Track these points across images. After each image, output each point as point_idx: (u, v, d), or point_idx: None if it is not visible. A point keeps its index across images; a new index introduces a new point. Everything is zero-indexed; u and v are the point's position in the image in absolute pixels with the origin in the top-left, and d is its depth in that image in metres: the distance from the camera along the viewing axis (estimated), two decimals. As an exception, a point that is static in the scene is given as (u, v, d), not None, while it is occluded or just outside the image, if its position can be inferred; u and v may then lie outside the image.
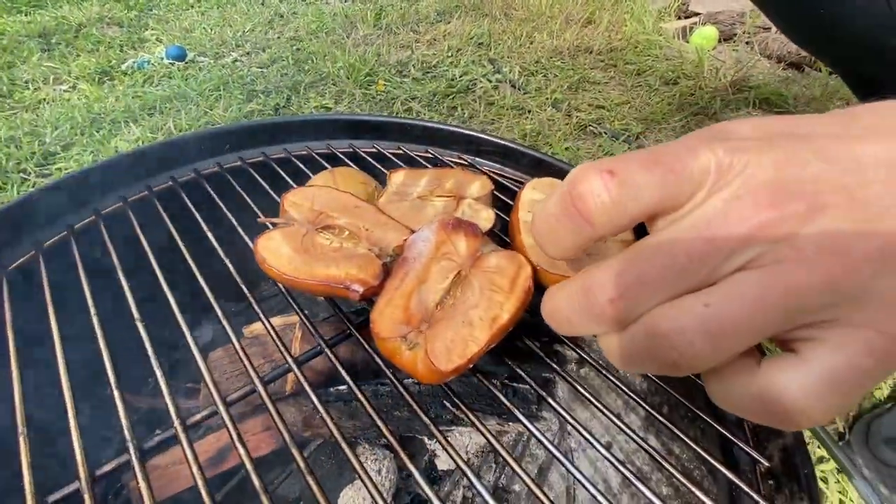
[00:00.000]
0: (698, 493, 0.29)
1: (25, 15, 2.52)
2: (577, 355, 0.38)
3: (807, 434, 0.74)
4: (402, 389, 0.33)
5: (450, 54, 1.97)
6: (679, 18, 2.27)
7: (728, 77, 1.71)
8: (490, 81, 1.76)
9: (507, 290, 0.32)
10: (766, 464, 0.29)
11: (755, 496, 0.28)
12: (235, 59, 2.02)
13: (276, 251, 0.34)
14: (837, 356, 0.16)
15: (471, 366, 0.30)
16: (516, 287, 0.32)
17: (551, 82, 1.75)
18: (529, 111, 1.58)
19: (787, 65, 1.82)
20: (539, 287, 0.38)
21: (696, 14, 2.24)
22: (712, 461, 0.30)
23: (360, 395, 0.31)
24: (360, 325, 0.37)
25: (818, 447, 0.77)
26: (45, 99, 1.77)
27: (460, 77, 1.79)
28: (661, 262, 0.17)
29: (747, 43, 2.01)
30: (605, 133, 1.47)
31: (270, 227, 0.38)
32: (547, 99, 1.64)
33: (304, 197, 0.39)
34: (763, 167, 0.16)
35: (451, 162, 0.58)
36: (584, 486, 0.33)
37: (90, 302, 0.37)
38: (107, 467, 0.28)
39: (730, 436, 0.32)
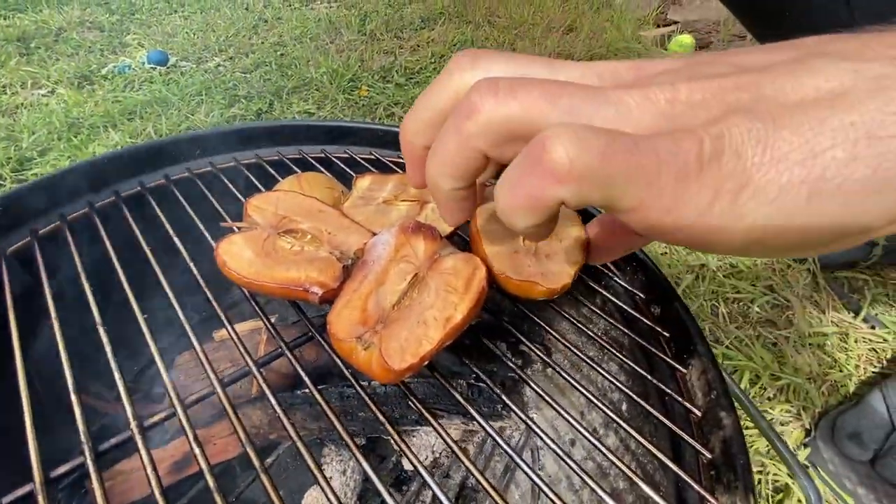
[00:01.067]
0: (646, 488, 0.30)
1: (4, 19, 2.49)
2: (541, 357, 0.39)
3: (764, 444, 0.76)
4: (360, 390, 0.33)
5: (433, 60, 1.99)
6: (658, 27, 2.32)
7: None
8: (472, 87, 1.78)
9: (461, 290, 0.33)
10: (708, 455, 0.31)
11: (696, 486, 0.29)
12: (218, 64, 2.01)
13: (237, 255, 0.35)
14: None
15: (425, 364, 0.31)
16: (471, 288, 0.33)
17: (532, 88, 1.78)
18: (510, 117, 1.60)
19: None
20: (501, 291, 0.39)
21: (675, 22, 2.29)
22: (660, 455, 0.31)
23: (318, 397, 0.32)
24: (322, 328, 0.37)
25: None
26: (22, 104, 1.75)
27: (443, 83, 1.81)
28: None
29: (723, 49, 2.06)
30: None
31: (236, 230, 0.39)
32: (528, 105, 1.66)
33: (268, 201, 0.39)
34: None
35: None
36: (541, 489, 0.34)
37: (51, 307, 0.37)
38: (61, 469, 0.28)
39: (677, 430, 0.33)
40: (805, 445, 0.81)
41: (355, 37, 2.20)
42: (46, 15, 2.51)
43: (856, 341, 0.95)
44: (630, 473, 0.31)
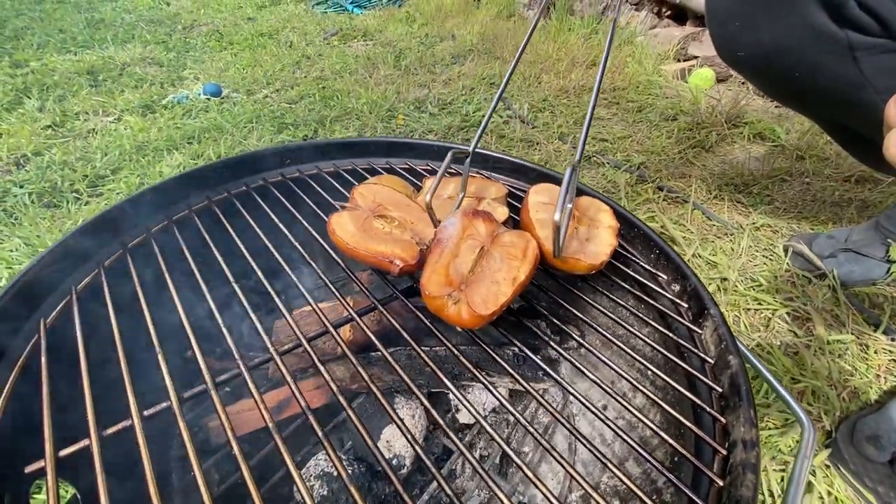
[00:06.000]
0: (672, 410, 0.38)
1: (74, 55, 2.76)
2: (577, 336, 0.47)
3: (786, 443, 0.81)
4: (450, 345, 0.42)
5: (464, 92, 2.13)
6: (679, 61, 2.43)
7: (724, 114, 1.84)
8: (501, 117, 1.90)
9: (520, 258, 0.42)
10: (719, 390, 0.38)
11: (709, 409, 0.37)
12: (266, 96, 2.19)
13: (343, 226, 0.45)
14: None
15: (501, 312, 0.40)
16: (527, 255, 0.42)
17: (557, 118, 1.89)
18: (537, 143, 1.71)
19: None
20: (549, 268, 0.48)
21: (695, 57, 2.40)
22: (679, 388, 0.39)
23: (387, 355, 0.41)
24: (402, 291, 0.47)
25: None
26: (94, 129, 1.95)
27: (473, 113, 1.94)
28: None
29: (742, 83, 2.15)
30: (608, 163, 1.59)
31: (339, 208, 0.49)
32: (553, 133, 1.77)
33: (370, 190, 0.50)
34: None
35: (472, 175, 0.69)
36: (576, 436, 0.41)
37: (196, 271, 0.47)
38: (225, 376, 0.37)
39: (695, 372, 0.41)
40: (826, 446, 0.85)
41: (391, 71, 2.37)
42: (112, 52, 2.78)
43: (875, 352, 0.99)
44: (654, 427, 0.39)
